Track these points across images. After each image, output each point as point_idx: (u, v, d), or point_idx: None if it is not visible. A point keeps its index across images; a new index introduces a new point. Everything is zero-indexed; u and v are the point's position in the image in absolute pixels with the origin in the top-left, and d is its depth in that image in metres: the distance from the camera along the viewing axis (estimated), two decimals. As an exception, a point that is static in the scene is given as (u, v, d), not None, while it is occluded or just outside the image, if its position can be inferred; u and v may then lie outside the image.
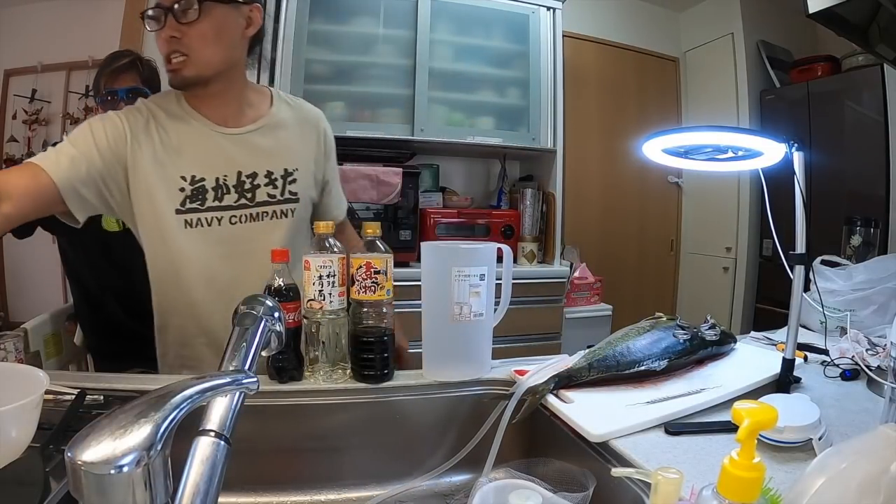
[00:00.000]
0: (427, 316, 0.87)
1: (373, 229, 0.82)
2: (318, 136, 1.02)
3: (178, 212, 0.88)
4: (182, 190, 0.88)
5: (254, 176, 0.91)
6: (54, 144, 0.85)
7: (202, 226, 0.89)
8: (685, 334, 0.86)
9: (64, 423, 0.66)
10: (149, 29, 0.84)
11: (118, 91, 1.27)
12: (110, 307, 1.37)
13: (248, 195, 0.91)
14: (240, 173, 0.90)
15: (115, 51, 1.39)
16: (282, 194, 0.93)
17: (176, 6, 0.80)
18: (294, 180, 0.95)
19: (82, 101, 2.39)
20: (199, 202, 0.88)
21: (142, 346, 1.36)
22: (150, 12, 0.83)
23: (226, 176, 0.90)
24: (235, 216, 0.90)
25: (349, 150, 2.09)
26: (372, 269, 0.78)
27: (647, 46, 3.15)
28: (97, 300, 1.37)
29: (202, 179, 0.89)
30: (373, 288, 0.79)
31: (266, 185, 0.92)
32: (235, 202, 0.90)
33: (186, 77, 0.85)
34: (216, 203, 0.89)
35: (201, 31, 0.82)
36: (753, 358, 0.93)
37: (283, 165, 0.94)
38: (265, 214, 0.93)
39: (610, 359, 0.80)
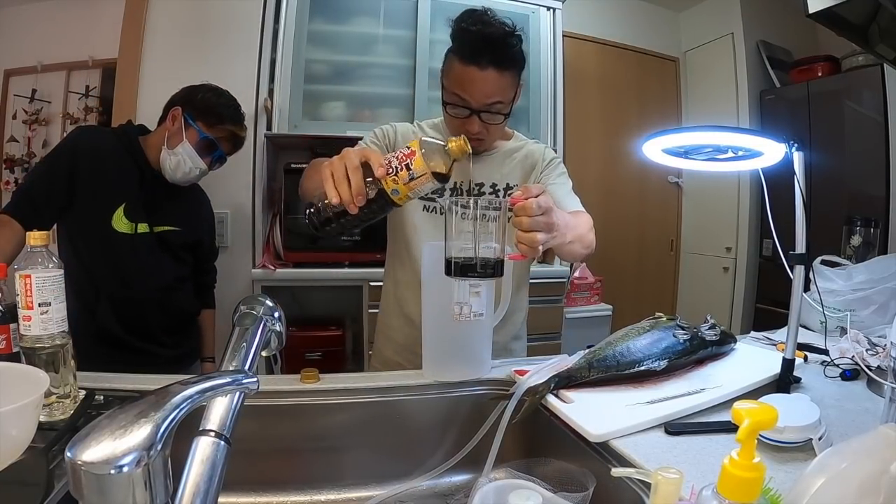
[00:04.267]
0: (427, 316, 0.87)
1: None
2: (536, 165, 1.22)
3: (420, 198, 1.14)
4: None
5: (481, 185, 1.17)
6: None
7: (435, 212, 1.16)
8: (685, 334, 0.86)
9: (71, 423, 0.66)
10: (452, 115, 1.06)
11: (219, 151, 1.37)
12: (103, 315, 1.30)
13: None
14: (471, 181, 1.16)
15: (241, 111, 1.41)
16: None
17: (487, 114, 1.04)
18: (511, 193, 1.15)
19: (82, 102, 2.38)
20: (437, 194, 1.14)
21: (130, 358, 1.33)
22: (457, 109, 1.03)
23: (461, 181, 1.16)
24: None
25: (349, 150, 2.10)
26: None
27: (647, 46, 3.14)
28: (91, 305, 1.30)
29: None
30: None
31: (489, 192, 1.17)
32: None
33: (478, 150, 1.14)
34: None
35: (497, 128, 1.10)
36: (753, 358, 0.93)
37: (506, 180, 1.18)
38: (483, 216, 1.16)
39: (610, 359, 0.80)
